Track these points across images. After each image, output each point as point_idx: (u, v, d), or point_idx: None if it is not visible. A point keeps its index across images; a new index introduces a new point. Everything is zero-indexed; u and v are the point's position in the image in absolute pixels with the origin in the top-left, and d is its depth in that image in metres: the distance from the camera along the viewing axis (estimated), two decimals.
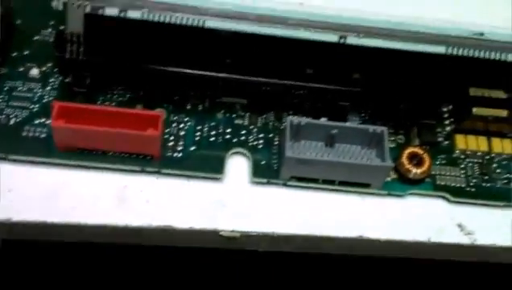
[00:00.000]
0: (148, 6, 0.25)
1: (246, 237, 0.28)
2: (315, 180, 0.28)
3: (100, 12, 0.25)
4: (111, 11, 0.25)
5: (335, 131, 0.28)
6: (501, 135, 0.31)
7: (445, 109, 0.32)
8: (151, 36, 0.27)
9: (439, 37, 0.27)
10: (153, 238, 0.27)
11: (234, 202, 0.28)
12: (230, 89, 0.30)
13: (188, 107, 0.30)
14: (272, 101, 0.30)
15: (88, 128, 0.26)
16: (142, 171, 0.28)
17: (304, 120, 0.28)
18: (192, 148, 0.29)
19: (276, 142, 0.30)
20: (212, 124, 0.30)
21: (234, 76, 0.29)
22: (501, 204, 0.29)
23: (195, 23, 0.27)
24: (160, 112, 0.28)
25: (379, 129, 0.28)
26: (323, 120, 0.30)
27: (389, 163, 0.27)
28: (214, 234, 0.28)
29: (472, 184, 0.30)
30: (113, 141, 0.27)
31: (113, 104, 0.29)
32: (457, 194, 0.29)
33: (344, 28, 0.27)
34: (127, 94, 0.30)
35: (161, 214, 0.27)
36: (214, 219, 0.28)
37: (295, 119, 0.28)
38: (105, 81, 0.29)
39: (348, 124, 0.29)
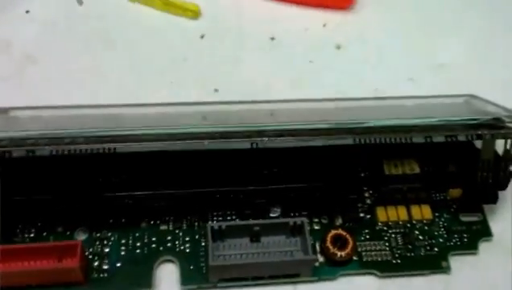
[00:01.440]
0: (54, 143, 0.25)
1: None
2: (245, 278, 0.29)
3: (6, 156, 0.25)
4: (18, 153, 0.25)
5: (257, 228, 0.29)
6: (419, 202, 0.32)
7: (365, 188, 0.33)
8: (62, 166, 0.27)
9: (345, 131, 0.28)
10: None
11: None
12: (151, 199, 0.30)
13: (110, 221, 0.30)
14: (194, 203, 0.31)
15: (3, 269, 0.25)
16: None
17: (225, 224, 0.28)
18: (118, 264, 0.29)
19: (203, 244, 0.30)
20: (137, 235, 0.30)
21: (152, 193, 0.30)
22: (428, 272, 0.30)
23: (106, 151, 0.27)
24: (78, 240, 0.27)
25: (299, 220, 0.29)
26: (247, 213, 0.31)
27: (311, 256, 0.28)
28: None
29: (397, 255, 0.30)
30: (35, 276, 0.26)
31: (32, 234, 0.29)
32: (384, 269, 0.30)
33: (254, 134, 0.27)
34: (45, 222, 0.29)
35: None
36: None
37: (216, 225, 0.28)
38: (20, 216, 0.29)
39: (268, 220, 0.30)
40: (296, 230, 0.29)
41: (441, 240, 0.31)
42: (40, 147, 0.26)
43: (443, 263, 0.30)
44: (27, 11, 0.40)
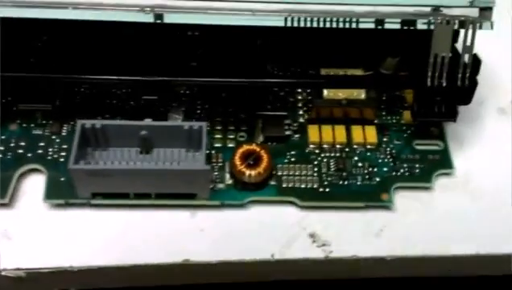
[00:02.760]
0: None
1: (37, 275, 0.22)
2: (125, 195, 0.23)
3: None
4: None
5: (144, 133, 0.23)
6: (364, 122, 0.26)
7: (300, 98, 0.27)
8: None
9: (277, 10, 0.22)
10: None
11: (22, 232, 0.22)
12: (31, 94, 0.25)
13: None
14: (85, 103, 0.25)
15: None
16: None
17: (100, 122, 0.22)
18: None
19: None
20: (3, 137, 0.24)
21: (40, 75, 0.24)
22: (362, 204, 0.24)
23: None
24: None
25: (197, 125, 0.22)
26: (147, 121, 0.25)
27: (202, 166, 0.22)
28: None
29: (326, 183, 0.24)
30: None
31: None
32: (308, 198, 0.24)
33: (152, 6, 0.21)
34: None
35: None
36: None
37: (88, 122, 0.22)
38: None
39: (158, 123, 0.24)
40: (195, 140, 0.23)
41: (385, 169, 0.25)
42: None
43: (384, 196, 0.24)
44: None
